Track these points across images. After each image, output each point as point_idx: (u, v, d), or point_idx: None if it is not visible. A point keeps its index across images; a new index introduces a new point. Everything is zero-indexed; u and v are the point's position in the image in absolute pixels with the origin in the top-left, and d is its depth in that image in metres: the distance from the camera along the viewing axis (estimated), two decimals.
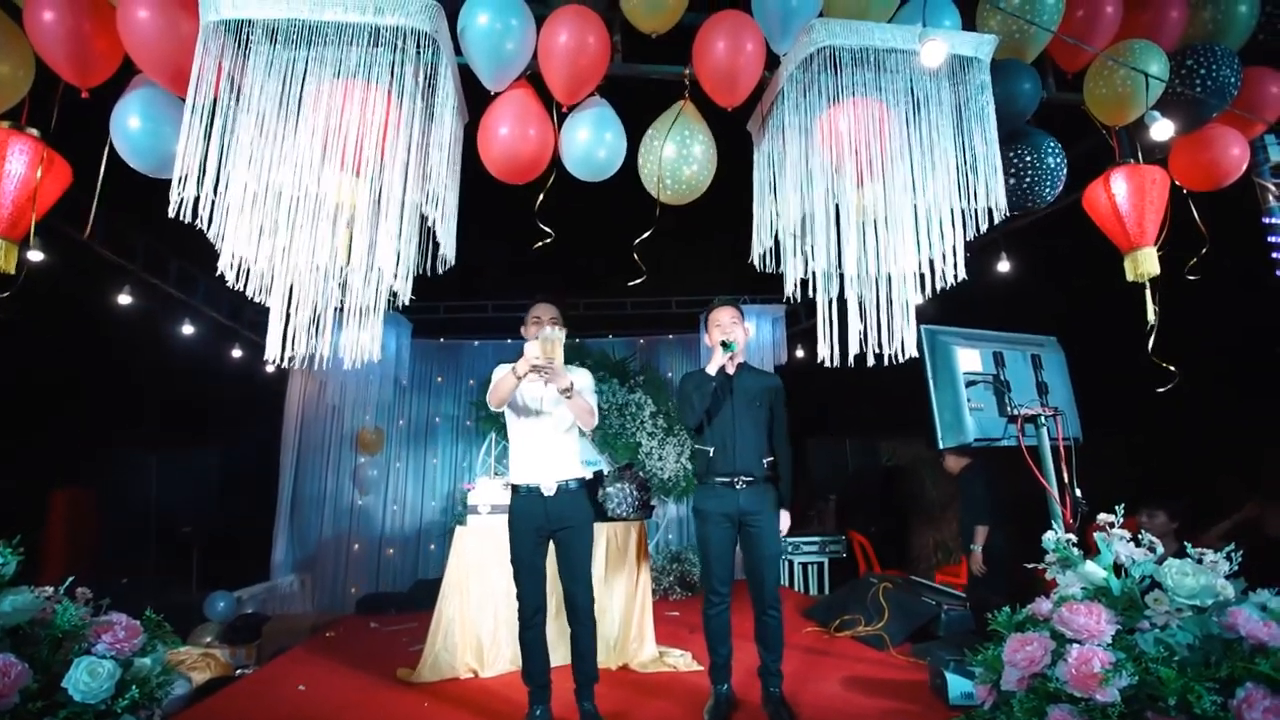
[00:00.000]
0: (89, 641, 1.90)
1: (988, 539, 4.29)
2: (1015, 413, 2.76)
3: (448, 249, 2.78)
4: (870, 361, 2.75)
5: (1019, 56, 3.13)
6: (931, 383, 2.86)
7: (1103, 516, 2.12)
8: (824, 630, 4.61)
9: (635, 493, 4.50)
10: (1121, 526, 2.10)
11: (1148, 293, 3.29)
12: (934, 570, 6.21)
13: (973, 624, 4.04)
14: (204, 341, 6.24)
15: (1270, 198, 3.61)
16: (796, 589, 6.52)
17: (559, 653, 3.15)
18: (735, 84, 2.90)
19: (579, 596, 2.94)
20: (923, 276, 2.78)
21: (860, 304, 2.78)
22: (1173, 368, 3.28)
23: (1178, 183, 3.46)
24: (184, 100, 2.42)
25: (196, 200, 2.41)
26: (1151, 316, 3.28)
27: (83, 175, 2.90)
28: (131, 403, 5.74)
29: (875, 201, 2.73)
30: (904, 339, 2.76)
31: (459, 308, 7.60)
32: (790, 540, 6.57)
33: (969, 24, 3.13)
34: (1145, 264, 3.19)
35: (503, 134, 2.89)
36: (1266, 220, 3.58)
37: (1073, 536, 2.19)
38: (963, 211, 2.77)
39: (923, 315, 2.87)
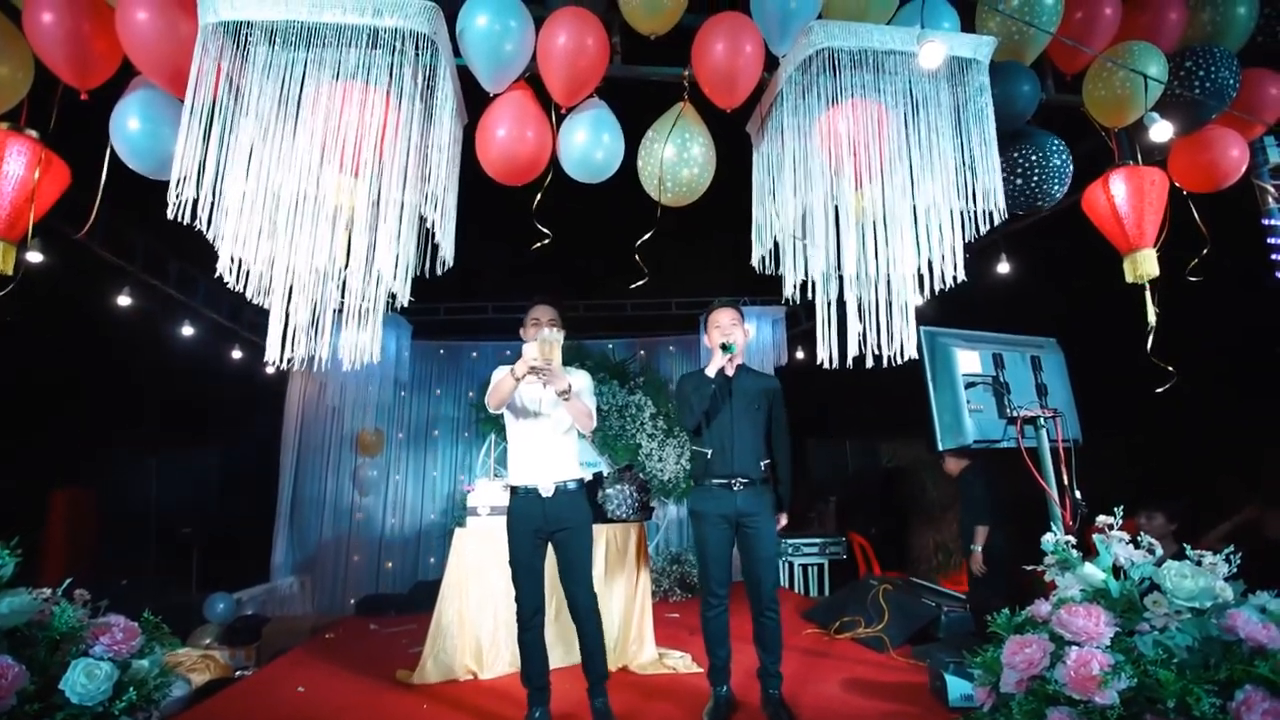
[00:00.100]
0: (86, 643, 1.90)
1: (988, 540, 4.29)
2: (1015, 414, 2.76)
3: (447, 251, 2.78)
4: (869, 363, 2.75)
5: (1018, 58, 3.13)
6: (931, 384, 2.86)
7: (1102, 518, 2.11)
8: (824, 632, 4.61)
9: (635, 494, 4.50)
10: (1120, 528, 2.10)
11: (1147, 294, 3.28)
12: (936, 575, 6.21)
13: (973, 626, 4.04)
14: (204, 342, 6.25)
15: (1269, 199, 3.61)
16: (796, 590, 6.51)
17: (557, 654, 3.14)
18: (734, 86, 2.90)
19: (581, 597, 2.94)
20: (922, 278, 2.78)
21: (859, 305, 2.77)
22: (1171, 368, 3.28)
23: (1177, 184, 3.46)
24: (183, 102, 2.42)
25: (195, 202, 2.41)
26: (1151, 318, 3.27)
27: (81, 176, 2.90)
28: (132, 404, 5.75)
29: (874, 203, 2.73)
30: (903, 340, 2.75)
31: (459, 309, 7.61)
32: (790, 542, 6.57)
33: (968, 26, 3.13)
34: (1144, 265, 3.19)
35: (500, 135, 2.89)
36: (1265, 222, 3.58)
37: (1072, 538, 2.19)
38: (962, 213, 2.77)
39: (923, 316, 2.87)
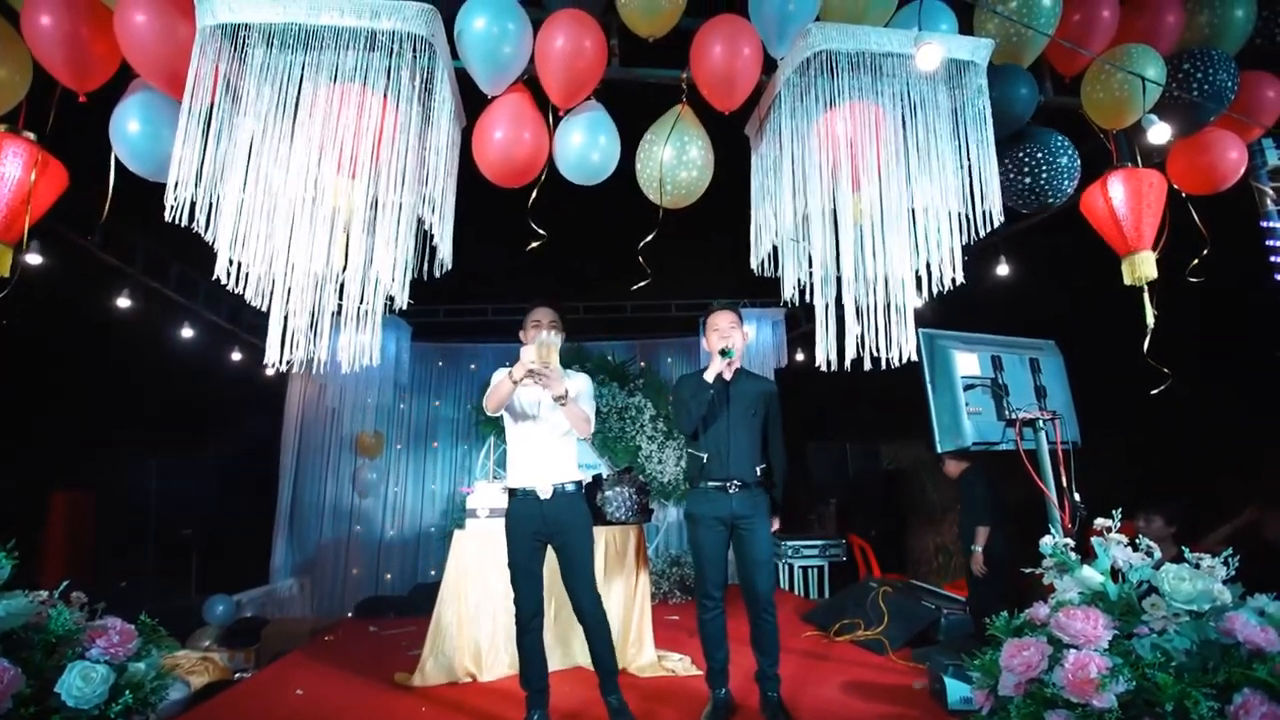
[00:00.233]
0: (83, 646, 1.90)
1: (988, 541, 4.28)
2: (1013, 416, 2.76)
3: (445, 253, 2.78)
4: (868, 365, 2.75)
5: (1016, 60, 3.13)
6: (930, 386, 2.86)
7: (1100, 521, 2.11)
8: (824, 634, 4.60)
9: (634, 496, 4.49)
10: (1119, 531, 2.09)
11: (1145, 296, 3.28)
12: (937, 578, 6.20)
13: (972, 628, 4.03)
14: (204, 344, 6.26)
15: (1268, 201, 3.61)
16: (796, 592, 6.51)
17: (556, 657, 3.14)
18: (732, 88, 2.90)
19: (585, 599, 2.94)
20: (920, 280, 2.78)
21: (858, 308, 2.77)
22: (1166, 370, 3.27)
23: (1175, 186, 3.45)
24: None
25: (193, 204, 2.41)
26: (1150, 320, 3.27)
27: (79, 178, 2.90)
28: (132, 405, 5.75)
29: (872, 205, 2.73)
30: (902, 343, 2.75)
31: (459, 311, 7.61)
32: (790, 544, 6.56)
33: (966, 28, 3.13)
34: (1142, 267, 3.19)
35: (498, 137, 2.90)
36: (1264, 224, 3.58)
37: (1070, 541, 2.19)
38: (960, 215, 2.77)
39: (922, 318, 2.87)
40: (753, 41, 2.87)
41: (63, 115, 2.75)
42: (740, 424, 3.04)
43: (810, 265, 2.83)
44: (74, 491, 5.64)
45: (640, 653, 4.00)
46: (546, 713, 2.96)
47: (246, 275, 2.50)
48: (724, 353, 2.97)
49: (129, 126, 2.77)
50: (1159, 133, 2.95)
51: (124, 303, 5.13)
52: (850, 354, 2.74)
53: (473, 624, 3.89)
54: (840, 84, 2.69)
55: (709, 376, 2.98)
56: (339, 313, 2.62)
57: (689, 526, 3.13)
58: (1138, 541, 2.05)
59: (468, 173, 3.00)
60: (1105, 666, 1.75)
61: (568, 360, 2.82)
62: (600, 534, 4.00)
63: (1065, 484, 2.65)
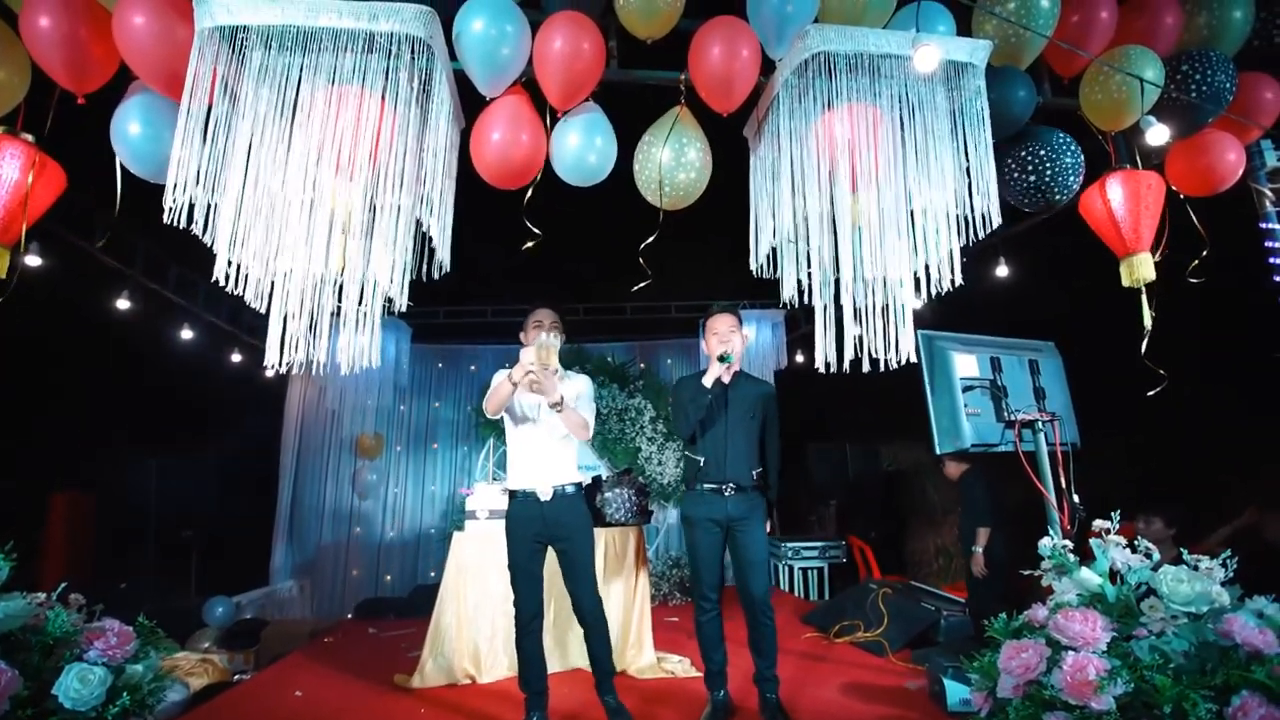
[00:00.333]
0: (81, 648, 1.91)
1: (988, 543, 4.28)
2: (1012, 418, 2.76)
3: (444, 255, 2.78)
4: (866, 367, 2.75)
5: (1014, 62, 3.13)
6: (929, 388, 2.86)
7: (1099, 523, 2.11)
8: (823, 636, 4.60)
9: (633, 498, 4.48)
10: (1118, 532, 2.09)
11: (1143, 298, 3.28)
12: (936, 579, 6.19)
13: (972, 630, 4.03)
14: (204, 346, 6.26)
15: (1266, 203, 3.60)
16: (796, 594, 6.50)
17: (555, 659, 3.14)
18: (731, 90, 2.90)
19: (585, 600, 2.95)
20: (919, 281, 2.78)
21: (856, 309, 2.77)
22: (1163, 372, 3.27)
23: (1174, 188, 3.45)
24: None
25: (192, 206, 2.42)
26: (1147, 321, 3.27)
27: (78, 180, 2.90)
28: (132, 407, 5.75)
29: (870, 207, 2.73)
30: (901, 344, 2.75)
31: (458, 312, 7.62)
32: (790, 545, 6.56)
33: (964, 30, 3.13)
34: (1141, 269, 3.19)
35: (495, 139, 2.89)
36: (1263, 225, 3.58)
37: (1069, 543, 2.19)
38: (959, 217, 2.77)
39: (922, 319, 2.86)
40: (751, 43, 2.87)
41: (61, 117, 2.76)
42: (738, 428, 3.04)
43: (809, 267, 2.83)
44: (74, 492, 5.64)
45: (640, 654, 4.00)
46: (545, 714, 2.96)
47: (245, 277, 2.50)
48: (722, 358, 2.97)
49: (130, 128, 2.77)
50: (1157, 134, 2.94)
51: (124, 304, 5.14)
52: (849, 355, 2.74)
53: (472, 625, 3.89)
54: (838, 85, 2.70)
55: (707, 381, 2.98)
56: (337, 314, 2.62)
57: (685, 528, 3.13)
58: (1136, 543, 2.05)
59: (467, 174, 3.00)
60: (1103, 668, 1.75)
61: (568, 362, 2.82)
62: (600, 535, 4.00)
63: (1064, 485, 2.64)
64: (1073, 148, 3.25)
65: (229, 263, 2.46)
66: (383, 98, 2.52)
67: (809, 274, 2.85)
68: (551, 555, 3.01)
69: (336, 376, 6.81)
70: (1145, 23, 3.26)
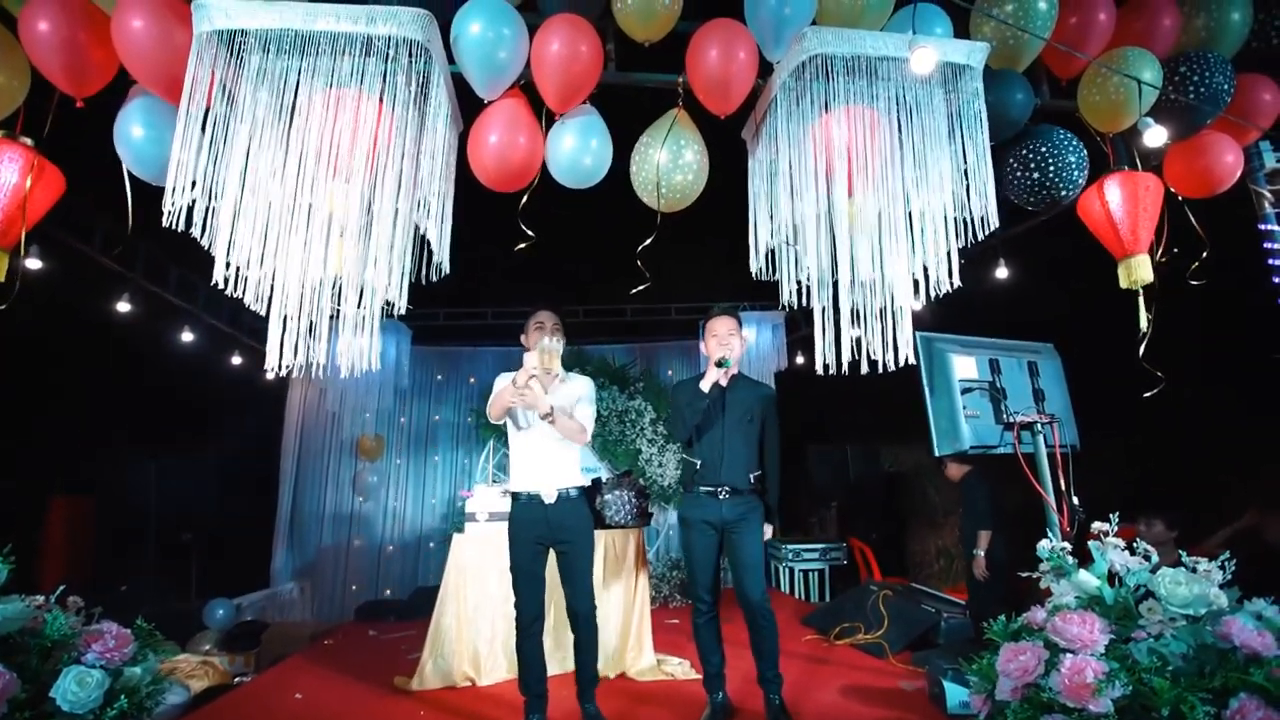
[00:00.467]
0: (79, 650, 1.91)
1: (989, 545, 4.27)
2: (1011, 420, 2.76)
3: (442, 257, 2.78)
4: (865, 369, 2.75)
5: (1012, 64, 3.13)
6: (928, 390, 2.85)
7: (1097, 525, 2.11)
8: (823, 638, 4.60)
9: (634, 500, 4.48)
10: (1118, 534, 2.09)
11: (1141, 300, 3.28)
12: (938, 581, 6.18)
13: (972, 632, 4.03)
14: (204, 348, 6.27)
15: (1265, 204, 3.60)
16: (797, 596, 6.50)
17: (555, 661, 3.14)
18: (728, 92, 2.90)
19: (580, 604, 2.95)
20: (918, 283, 2.78)
21: (855, 311, 2.77)
22: (1160, 374, 3.27)
23: (1172, 189, 3.45)
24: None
25: (191, 209, 2.42)
26: (1144, 324, 3.27)
27: (77, 184, 2.91)
28: (132, 409, 5.76)
29: (869, 209, 2.73)
30: (899, 346, 2.75)
31: (459, 314, 7.62)
32: (790, 547, 6.56)
33: (962, 32, 3.13)
34: (1139, 271, 3.18)
35: (492, 142, 2.90)
36: (1262, 226, 3.58)
37: (1068, 545, 2.18)
38: (956, 219, 2.77)
39: (922, 321, 2.86)
40: (748, 46, 2.87)
41: (60, 121, 2.76)
42: (735, 431, 3.04)
43: (807, 269, 2.83)
44: (75, 495, 5.65)
45: (639, 657, 4.00)
46: (545, 717, 2.95)
47: (245, 280, 2.50)
48: (720, 363, 2.97)
49: (133, 131, 2.78)
50: (1155, 136, 2.94)
51: (124, 307, 5.14)
52: (848, 357, 2.74)
53: (471, 628, 3.89)
54: (836, 88, 2.70)
55: (705, 385, 2.98)
56: (336, 317, 2.62)
57: (681, 530, 3.14)
58: (1134, 545, 2.04)
59: (467, 176, 3.00)
60: (1101, 671, 1.74)
61: (568, 364, 2.83)
62: (600, 538, 3.99)
63: (1064, 487, 2.64)
64: (1075, 144, 3.25)
65: (227, 265, 2.46)
66: (380, 100, 2.52)
67: (807, 276, 2.85)
68: (551, 557, 3.01)
69: (337, 379, 6.82)
70: (1143, 24, 3.25)
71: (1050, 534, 2.55)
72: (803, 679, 3.68)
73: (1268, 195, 3.60)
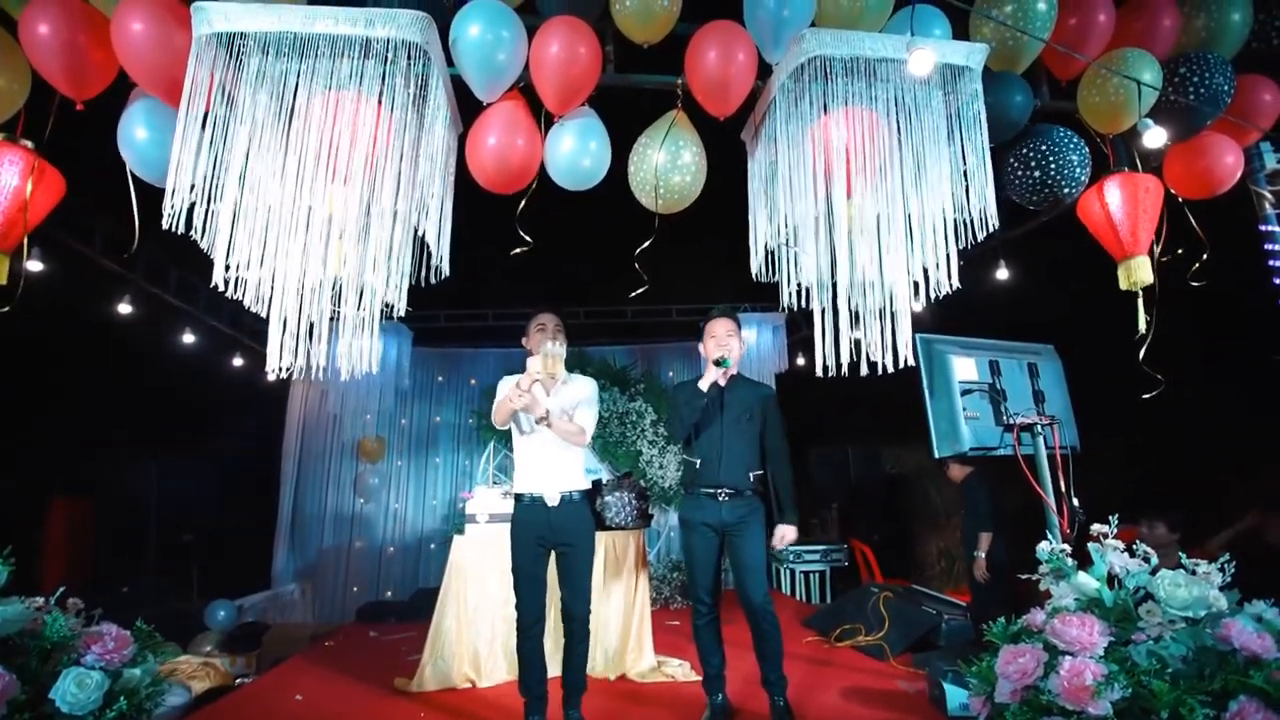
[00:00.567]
0: (78, 652, 1.91)
1: (990, 546, 4.27)
2: (1011, 421, 2.75)
3: (442, 259, 2.78)
4: (864, 370, 2.75)
5: (1011, 65, 3.13)
6: (927, 391, 2.85)
7: (1096, 527, 2.10)
8: (824, 639, 4.59)
9: (634, 502, 4.48)
10: (1119, 536, 2.08)
11: (1140, 301, 3.27)
12: (939, 583, 6.18)
13: (973, 634, 4.02)
14: (205, 349, 6.27)
15: (1266, 205, 3.60)
16: (798, 597, 6.49)
17: (555, 663, 3.13)
18: (727, 94, 2.90)
19: (577, 606, 2.94)
20: (917, 285, 2.78)
21: (854, 313, 2.77)
22: (1160, 376, 3.27)
23: (1172, 191, 3.45)
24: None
25: (191, 211, 2.43)
26: (1143, 325, 3.26)
27: (78, 187, 2.91)
28: (133, 410, 5.77)
29: (868, 210, 2.73)
30: (899, 348, 2.75)
31: (459, 316, 7.63)
32: (792, 549, 6.55)
33: (961, 33, 3.13)
34: (1138, 272, 3.18)
35: (491, 143, 2.90)
36: (1262, 227, 3.57)
37: (1068, 546, 2.18)
38: (956, 220, 2.77)
39: (922, 323, 2.86)
40: (747, 47, 2.87)
41: (61, 123, 2.77)
42: (733, 431, 3.03)
43: (806, 270, 2.83)
44: (75, 496, 5.66)
45: (640, 658, 3.99)
46: (545, 718, 2.95)
47: (244, 282, 2.51)
48: (719, 362, 2.97)
49: (136, 133, 2.79)
50: (1155, 137, 2.94)
51: (125, 308, 5.15)
52: (848, 359, 2.74)
53: (471, 629, 3.89)
54: (835, 89, 2.70)
55: (704, 385, 2.98)
56: (336, 319, 2.63)
57: (681, 531, 3.14)
58: (1134, 547, 2.04)
59: (467, 177, 3.00)
60: (1101, 673, 1.74)
61: (569, 365, 2.84)
62: (600, 539, 3.98)
63: (1064, 489, 2.64)
64: (1076, 141, 3.25)
65: (227, 267, 2.46)
66: (379, 103, 2.53)
67: (806, 277, 2.85)
68: (551, 558, 3.01)
69: (338, 380, 6.82)
70: (1143, 25, 3.25)
71: (1050, 536, 2.55)
72: (803, 681, 3.67)
73: (1268, 196, 3.60)
